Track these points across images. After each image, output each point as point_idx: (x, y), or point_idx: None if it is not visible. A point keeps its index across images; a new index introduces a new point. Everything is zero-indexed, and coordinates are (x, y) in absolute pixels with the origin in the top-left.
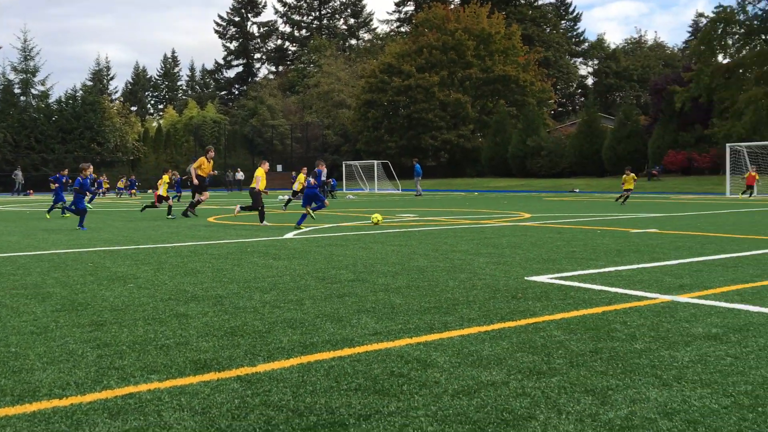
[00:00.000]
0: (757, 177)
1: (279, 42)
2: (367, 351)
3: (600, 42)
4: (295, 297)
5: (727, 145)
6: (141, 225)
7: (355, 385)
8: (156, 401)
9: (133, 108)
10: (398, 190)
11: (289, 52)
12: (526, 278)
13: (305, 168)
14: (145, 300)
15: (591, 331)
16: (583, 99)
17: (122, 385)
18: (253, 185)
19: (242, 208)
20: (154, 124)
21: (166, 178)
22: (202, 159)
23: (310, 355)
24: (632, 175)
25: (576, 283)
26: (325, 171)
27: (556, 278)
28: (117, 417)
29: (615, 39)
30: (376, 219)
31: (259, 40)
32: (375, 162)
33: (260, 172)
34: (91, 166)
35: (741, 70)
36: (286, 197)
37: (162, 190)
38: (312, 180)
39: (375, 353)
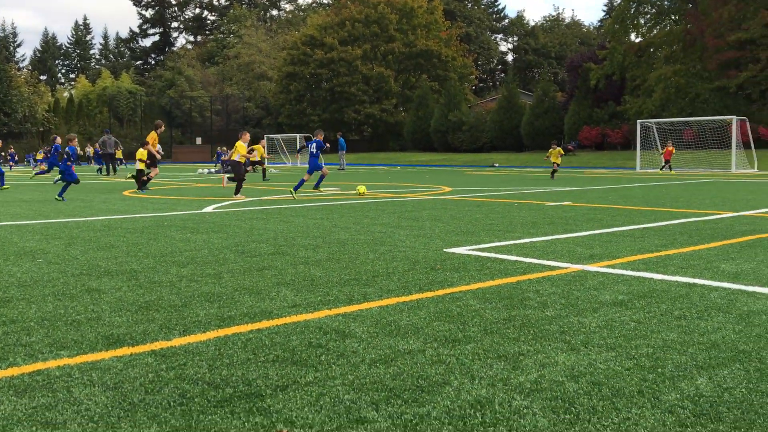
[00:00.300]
0: (673, 151)
1: (197, 11)
2: (285, 323)
3: (520, 19)
4: (213, 271)
5: (638, 121)
6: (51, 197)
7: (273, 356)
8: (65, 377)
9: (43, 77)
10: (324, 164)
11: (208, 21)
12: (445, 250)
13: (263, 141)
14: (55, 275)
15: (505, 300)
16: (503, 75)
17: (29, 361)
18: (233, 156)
19: (229, 180)
20: (66, 94)
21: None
22: (154, 134)
23: (227, 329)
24: (558, 149)
25: (493, 254)
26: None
27: (473, 250)
28: (24, 394)
29: (534, 16)
30: (362, 190)
31: (176, 9)
32: (297, 135)
33: (239, 144)
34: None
35: (652, 49)
36: (206, 170)
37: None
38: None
39: (293, 325)
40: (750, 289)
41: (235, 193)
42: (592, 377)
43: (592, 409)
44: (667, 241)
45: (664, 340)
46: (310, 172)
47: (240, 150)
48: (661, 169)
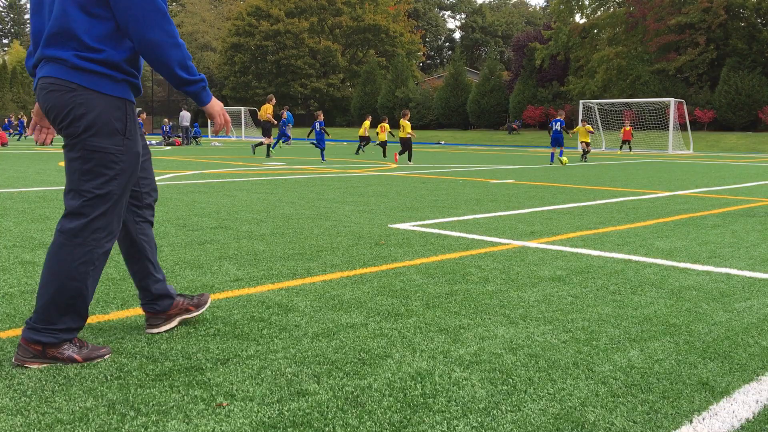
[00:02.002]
0: (631, 131)
1: None
2: (227, 297)
3: None
4: None
5: (581, 101)
6: None
7: (214, 330)
8: None
9: None
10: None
11: None
12: (389, 226)
13: (386, 117)
14: None
15: (448, 275)
16: (450, 53)
17: None
18: (402, 134)
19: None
20: None
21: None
22: (269, 106)
23: None
24: (588, 126)
25: (436, 230)
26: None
27: (417, 225)
28: None
29: None
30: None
31: None
32: (242, 108)
33: (404, 122)
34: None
35: (596, 31)
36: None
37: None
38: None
39: (235, 299)
40: (682, 265)
41: (408, 160)
42: (530, 350)
43: (528, 380)
44: (605, 219)
45: (599, 314)
46: (323, 146)
47: (407, 128)
48: (620, 149)
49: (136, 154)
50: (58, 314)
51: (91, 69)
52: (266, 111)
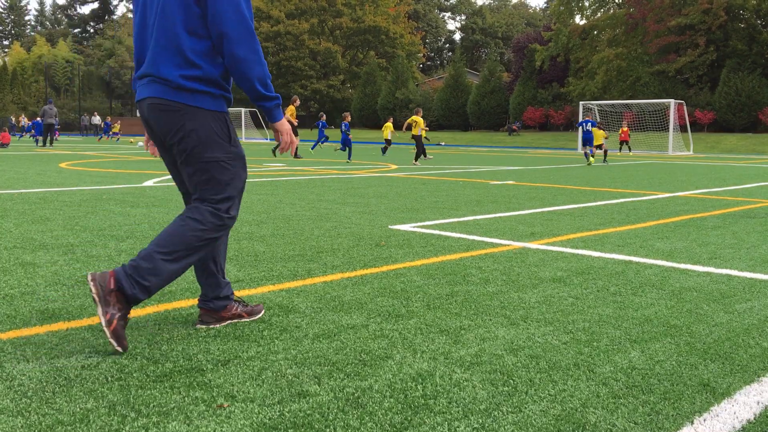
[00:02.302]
0: (628, 132)
1: None
2: None
3: None
4: None
5: (581, 102)
6: None
7: (214, 331)
8: None
9: None
10: (267, 139)
11: None
12: (390, 227)
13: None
14: None
15: (448, 276)
16: (450, 54)
17: None
18: (415, 131)
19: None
20: None
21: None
22: (292, 107)
23: (167, 304)
24: (601, 131)
25: (437, 231)
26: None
27: (418, 227)
28: None
29: None
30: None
31: None
32: (243, 110)
33: (418, 119)
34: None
35: (596, 32)
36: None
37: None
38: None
39: None
40: (682, 266)
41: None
42: (531, 351)
43: (529, 381)
44: (605, 220)
45: (600, 315)
46: (348, 145)
47: (420, 124)
48: (620, 151)
49: (243, 157)
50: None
51: (192, 88)
52: (289, 112)
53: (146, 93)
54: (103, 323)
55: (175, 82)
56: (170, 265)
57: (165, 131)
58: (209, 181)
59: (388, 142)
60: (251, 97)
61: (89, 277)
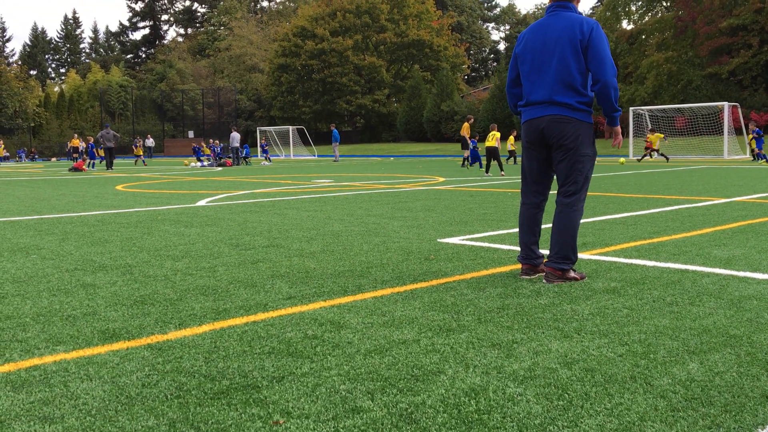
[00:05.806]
0: (654, 138)
1: (187, 3)
2: (280, 315)
3: (511, 7)
4: (207, 264)
5: (631, 108)
6: (44, 194)
7: (269, 348)
8: (62, 372)
9: (33, 72)
10: (314, 155)
11: (198, 13)
12: (438, 240)
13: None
14: (49, 271)
15: (499, 289)
16: (495, 64)
17: (26, 357)
18: (490, 143)
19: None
20: (56, 89)
21: None
22: (467, 125)
23: (222, 321)
24: (657, 134)
25: (486, 244)
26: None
27: (467, 239)
28: (21, 389)
29: (526, 4)
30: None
31: (166, 1)
32: (290, 128)
33: (465, 126)
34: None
35: (644, 36)
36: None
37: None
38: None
39: (289, 317)
40: (741, 274)
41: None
42: (585, 364)
43: (584, 395)
44: (660, 228)
45: (656, 326)
46: (477, 159)
47: (496, 135)
48: (651, 157)
49: (596, 155)
50: (571, 251)
51: (582, 109)
52: (464, 129)
53: (549, 112)
54: (575, 281)
55: (574, 105)
56: (573, 240)
57: (561, 136)
58: (581, 170)
59: (512, 153)
60: (606, 109)
61: (545, 282)
